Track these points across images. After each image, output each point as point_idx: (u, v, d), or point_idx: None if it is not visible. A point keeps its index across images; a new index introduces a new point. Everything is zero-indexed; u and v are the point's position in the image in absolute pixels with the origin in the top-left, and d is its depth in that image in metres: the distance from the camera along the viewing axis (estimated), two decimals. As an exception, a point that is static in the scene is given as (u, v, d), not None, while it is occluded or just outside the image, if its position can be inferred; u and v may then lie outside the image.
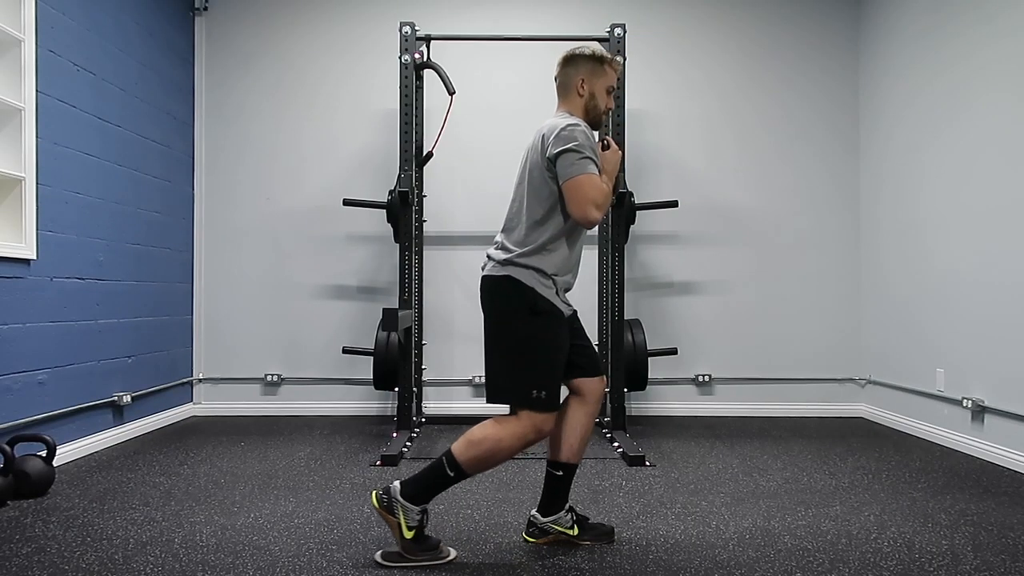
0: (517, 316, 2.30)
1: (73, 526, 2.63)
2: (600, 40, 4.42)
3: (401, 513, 2.26)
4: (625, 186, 4.24)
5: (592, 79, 2.42)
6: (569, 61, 2.45)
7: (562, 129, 2.28)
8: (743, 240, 5.09)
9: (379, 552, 2.34)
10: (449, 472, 2.27)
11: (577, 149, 2.25)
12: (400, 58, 4.30)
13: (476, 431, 2.31)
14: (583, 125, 2.33)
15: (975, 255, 3.89)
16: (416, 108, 4.47)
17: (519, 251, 2.31)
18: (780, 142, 5.11)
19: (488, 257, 2.39)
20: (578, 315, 2.49)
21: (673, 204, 4.66)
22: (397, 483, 2.31)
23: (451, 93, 4.20)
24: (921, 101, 4.39)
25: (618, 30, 4.34)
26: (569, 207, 2.27)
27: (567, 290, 2.40)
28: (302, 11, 5.08)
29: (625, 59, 4.34)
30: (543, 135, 2.34)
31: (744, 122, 5.11)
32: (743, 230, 5.09)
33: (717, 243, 5.08)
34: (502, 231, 2.41)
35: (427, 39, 4.40)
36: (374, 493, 2.32)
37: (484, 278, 2.38)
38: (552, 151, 2.28)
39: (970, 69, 3.94)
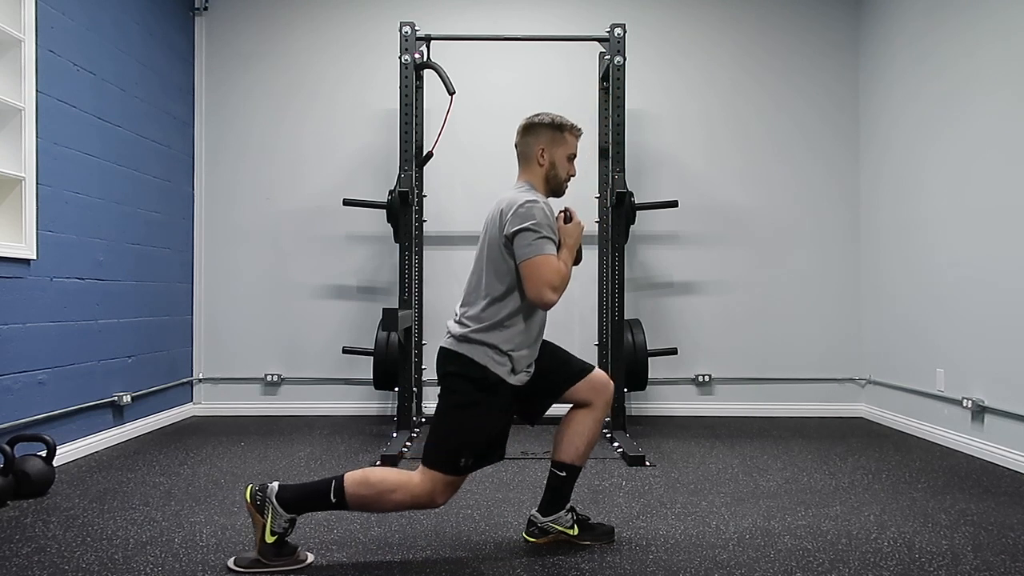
0: (463, 387, 2.28)
1: (73, 526, 2.63)
2: (600, 40, 4.43)
3: (270, 515, 2.19)
4: (625, 186, 4.24)
5: (552, 148, 2.38)
6: (528, 130, 2.41)
7: (520, 206, 2.24)
8: (743, 240, 5.09)
9: (232, 559, 2.27)
10: (332, 498, 2.21)
11: (534, 228, 2.21)
12: (400, 58, 4.30)
13: (377, 472, 2.27)
14: (541, 201, 2.28)
15: (975, 255, 3.89)
16: (416, 108, 4.47)
17: (475, 327, 2.28)
18: (780, 142, 5.11)
19: (447, 329, 2.36)
20: (547, 341, 2.45)
21: (673, 204, 4.66)
22: (276, 484, 2.23)
23: (451, 93, 4.20)
24: (921, 101, 4.39)
25: (618, 30, 4.34)
26: (525, 288, 2.24)
27: (528, 365, 2.35)
28: (302, 11, 5.08)
29: (625, 59, 4.34)
30: (501, 210, 2.30)
31: (744, 122, 5.11)
32: (743, 230, 5.09)
33: (717, 243, 5.08)
34: (461, 304, 2.37)
35: (427, 39, 4.40)
36: (249, 487, 2.25)
37: (440, 350, 2.36)
38: (509, 229, 2.24)
39: (970, 69, 3.94)
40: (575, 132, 2.43)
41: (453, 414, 2.30)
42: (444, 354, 2.35)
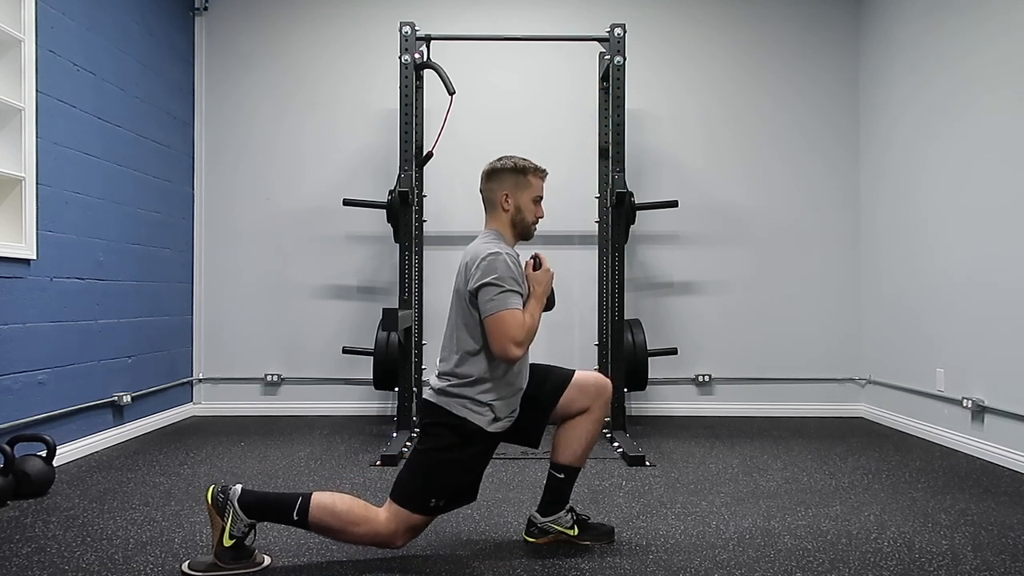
0: (440, 436, 2.28)
1: (73, 526, 2.63)
2: (600, 40, 4.43)
3: (230, 519, 2.16)
4: (625, 186, 4.24)
5: (516, 192, 2.36)
6: (491, 176, 2.38)
7: (482, 259, 2.23)
8: (743, 240, 5.09)
9: (186, 562, 2.23)
10: (294, 516, 2.18)
11: (496, 283, 2.19)
12: (400, 58, 4.30)
13: (345, 502, 2.24)
14: (505, 254, 2.25)
15: (975, 255, 3.89)
16: (416, 108, 4.47)
17: (453, 381, 2.28)
18: (780, 142, 5.11)
19: (429, 383, 2.36)
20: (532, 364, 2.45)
21: (673, 204, 4.67)
22: (239, 487, 2.20)
23: (451, 93, 4.20)
24: (921, 101, 4.39)
25: (618, 30, 4.34)
26: (489, 342, 2.22)
27: (511, 411, 2.33)
28: (302, 11, 5.08)
29: (625, 59, 4.34)
30: (466, 264, 2.29)
31: (744, 122, 5.11)
32: (743, 230, 5.09)
33: (717, 243, 5.08)
34: (439, 357, 2.37)
35: (427, 39, 4.40)
36: (211, 488, 2.21)
37: (422, 401, 2.37)
38: (472, 284, 2.23)
39: (970, 69, 3.94)
40: (539, 174, 2.40)
41: (430, 456, 2.28)
42: (424, 405, 2.36)
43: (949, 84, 4.12)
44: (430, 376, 2.38)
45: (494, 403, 2.28)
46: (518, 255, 2.34)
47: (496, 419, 2.28)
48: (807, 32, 5.13)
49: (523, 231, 2.40)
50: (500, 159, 2.40)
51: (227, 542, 2.17)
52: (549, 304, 2.39)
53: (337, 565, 2.28)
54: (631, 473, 3.45)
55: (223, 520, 2.17)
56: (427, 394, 2.35)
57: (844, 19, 5.13)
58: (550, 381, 2.41)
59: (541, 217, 2.43)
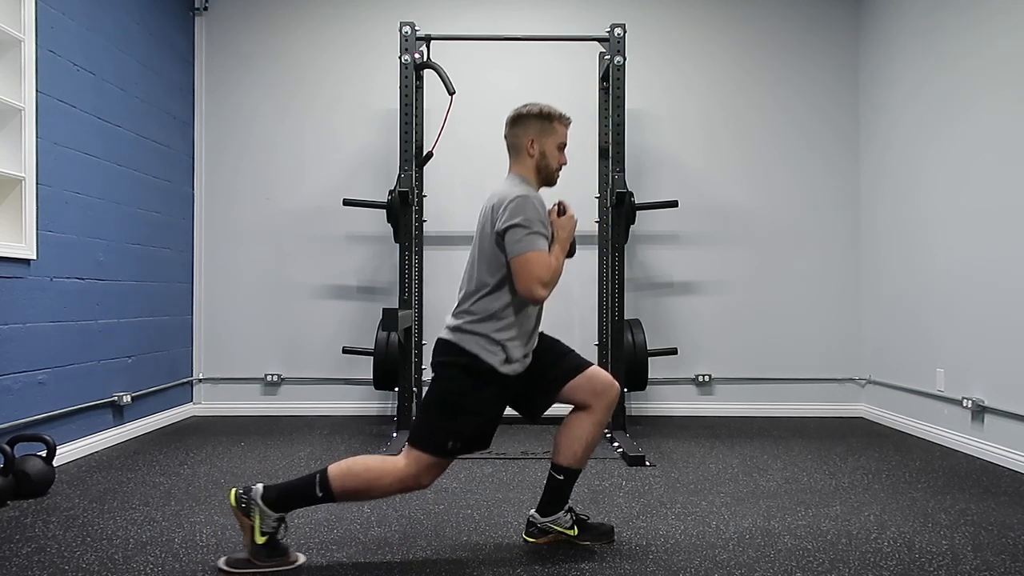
0: (453, 376, 2.29)
1: (73, 526, 2.63)
2: (600, 40, 4.43)
3: (258, 517, 2.19)
4: (625, 186, 4.24)
5: (542, 138, 2.38)
6: (516, 121, 2.40)
7: (510, 201, 2.25)
8: (743, 240, 5.09)
9: (223, 559, 2.25)
10: (318, 492, 2.21)
11: (524, 224, 2.22)
12: (400, 58, 4.30)
13: (359, 461, 2.27)
14: (532, 196, 2.27)
15: (975, 255, 3.89)
16: (416, 108, 4.47)
17: (468, 318, 2.30)
18: (780, 142, 5.11)
19: (445, 323, 2.37)
20: (545, 335, 2.46)
21: (673, 204, 4.67)
22: (260, 486, 2.22)
23: (451, 93, 4.20)
24: (921, 101, 4.39)
25: (618, 30, 4.34)
26: (516, 284, 2.24)
27: (524, 355, 2.34)
28: (302, 11, 5.08)
29: (625, 59, 4.34)
30: (492, 206, 2.31)
31: (744, 122, 5.11)
32: (743, 230, 5.09)
33: (717, 243, 5.08)
34: (458, 297, 2.38)
35: (427, 39, 4.40)
36: (233, 491, 2.22)
37: (436, 339, 2.37)
38: (500, 225, 2.24)
39: (970, 69, 3.94)
40: (564, 121, 2.42)
41: (444, 399, 2.30)
42: (437, 344, 2.37)
43: (949, 84, 4.12)
44: (447, 316, 2.39)
45: (507, 343, 2.29)
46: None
47: (508, 360, 2.29)
48: (807, 32, 5.13)
49: (547, 177, 2.43)
50: (525, 105, 2.42)
51: (260, 539, 2.20)
52: (571, 251, 2.42)
53: (337, 566, 2.28)
54: (631, 473, 3.45)
55: (250, 519, 2.20)
56: (441, 333, 2.36)
57: (844, 19, 5.13)
58: (568, 361, 2.43)
59: (565, 164, 2.45)
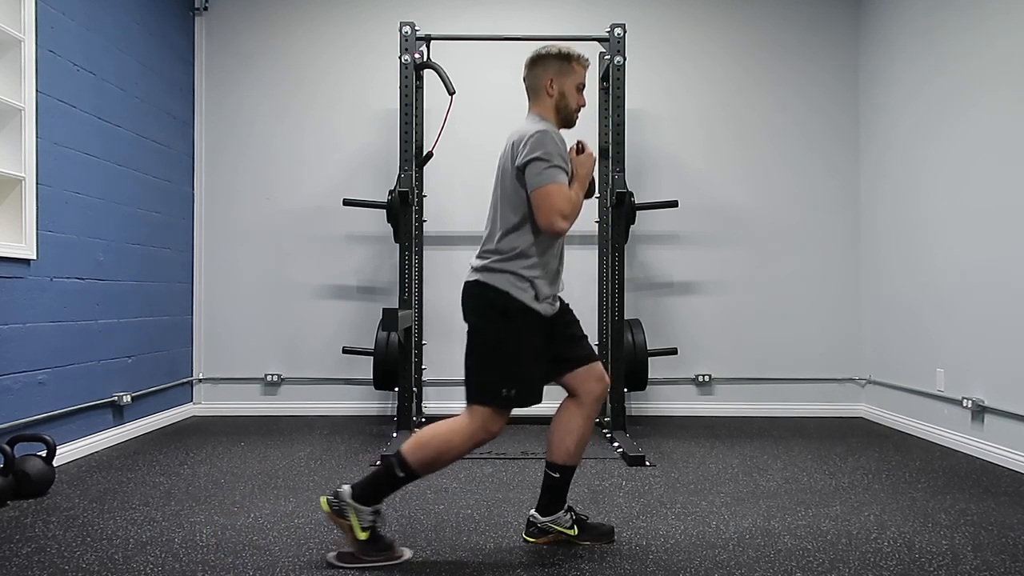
0: (489, 319, 2.31)
1: (73, 526, 2.63)
2: (600, 40, 4.43)
3: (353, 515, 2.25)
4: (625, 186, 4.24)
5: (561, 78, 2.40)
6: (536, 62, 2.42)
7: (530, 136, 2.27)
8: (743, 240, 5.09)
9: (332, 553, 2.32)
10: (399, 473, 2.26)
11: (545, 157, 2.24)
12: (400, 58, 4.30)
13: (426, 432, 2.30)
14: (552, 131, 2.30)
15: (975, 255, 3.89)
16: (416, 108, 4.47)
17: (495, 257, 2.32)
18: (780, 142, 5.11)
19: (470, 265, 2.39)
20: (571, 309, 2.49)
21: (673, 204, 4.67)
22: (347, 487, 2.28)
23: (451, 93, 4.20)
24: (921, 101, 4.39)
25: (618, 30, 4.34)
26: (536, 217, 2.27)
27: (551, 295, 2.37)
28: (302, 11, 5.08)
29: (625, 59, 4.34)
30: (513, 142, 2.33)
31: (744, 122, 5.11)
32: (743, 230, 5.09)
33: (717, 243, 5.08)
34: (483, 239, 2.40)
35: (427, 39, 4.40)
36: (323, 499, 2.29)
37: (464, 284, 2.39)
38: (520, 160, 2.27)
39: (970, 69, 3.94)
40: (583, 62, 2.43)
41: (486, 347, 2.32)
42: (466, 288, 2.38)
43: (949, 84, 4.12)
44: (471, 260, 2.40)
45: (536, 280, 2.31)
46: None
47: (538, 297, 2.31)
48: (807, 32, 5.13)
49: (566, 118, 2.44)
50: (544, 46, 2.44)
51: (362, 535, 2.25)
52: (590, 191, 2.44)
53: (337, 566, 2.28)
54: (631, 473, 3.45)
55: (347, 519, 2.25)
56: (468, 277, 2.37)
57: (844, 19, 5.13)
58: (583, 348, 2.46)
59: (583, 105, 2.46)
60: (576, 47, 2.44)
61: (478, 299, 2.34)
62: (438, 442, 2.27)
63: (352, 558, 2.28)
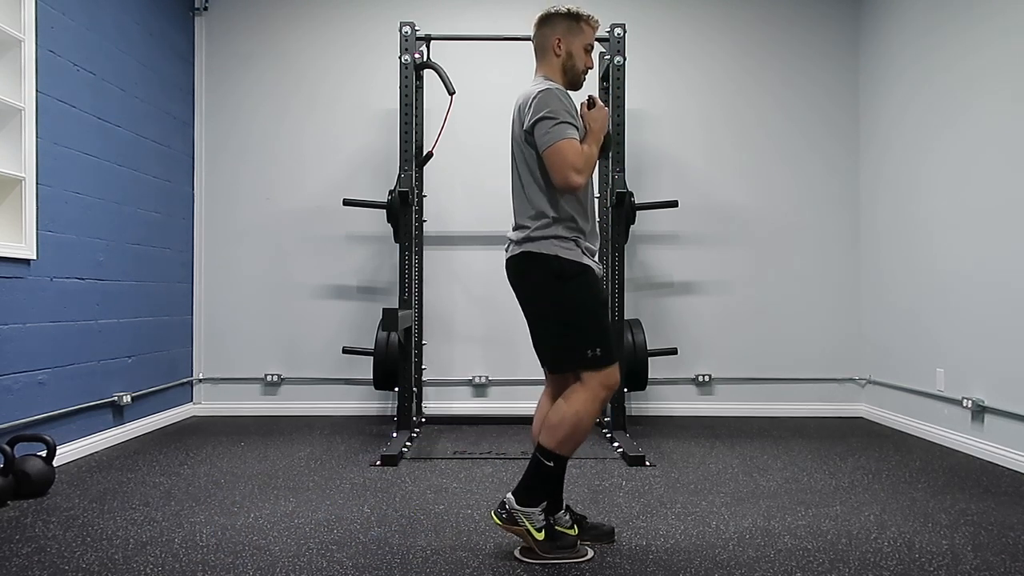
0: (546, 286, 2.31)
1: (73, 526, 2.63)
2: (600, 40, 4.42)
3: (524, 519, 2.30)
4: (625, 186, 4.24)
5: (569, 37, 2.38)
6: (545, 21, 2.40)
7: (534, 97, 2.27)
8: (743, 240, 5.09)
9: (517, 549, 2.37)
10: (548, 463, 2.28)
11: (551, 115, 2.23)
12: (400, 58, 4.30)
13: (552, 416, 2.30)
14: (556, 88, 2.29)
15: (975, 255, 3.89)
16: (416, 108, 4.47)
17: (534, 226, 2.31)
18: (780, 142, 5.11)
19: (508, 240, 2.39)
20: None
21: (673, 204, 4.67)
22: (510, 495, 2.32)
23: (451, 93, 4.20)
24: (921, 101, 4.39)
25: (618, 30, 4.34)
26: (550, 175, 2.26)
27: (594, 254, 2.38)
28: (302, 11, 5.08)
29: (625, 59, 4.34)
30: (519, 106, 2.34)
31: (744, 122, 5.11)
32: (743, 230, 5.09)
33: (717, 243, 5.08)
34: (514, 214, 2.40)
35: (427, 39, 4.40)
36: (494, 512, 2.34)
37: (507, 260, 2.38)
38: (528, 122, 2.27)
39: (970, 68, 3.94)
40: (592, 23, 2.41)
41: (551, 316, 2.32)
42: (512, 263, 2.37)
43: (949, 84, 4.12)
44: (508, 234, 2.39)
45: (578, 238, 2.31)
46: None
47: (585, 253, 2.32)
48: (807, 32, 5.13)
49: (573, 78, 2.42)
50: (554, 5, 2.42)
51: (539, 535, 2.29)
52: (606, 145, 2.41)
53: (337, 565, 2.28)
54: (631, 473, 3.45)
55: (520, 525, 2.29)
56: (510, 251, 2.36)
57: (844, 19, 5.13)
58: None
59: (591, 67, 2.45)
60: (586, 7, 2.42)
61: (529, 270, 2.33)
62: (569, 419, 2.26)
63: (537, 555, 2.31)
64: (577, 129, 2.28)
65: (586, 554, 2.35)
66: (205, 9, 5.05)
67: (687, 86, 5.10)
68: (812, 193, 5.11)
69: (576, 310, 2.29)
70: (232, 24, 5.07)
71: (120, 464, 3.57)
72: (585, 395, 2.28)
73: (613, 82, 4.32)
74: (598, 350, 2.27)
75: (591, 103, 2.39)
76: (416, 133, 4.44)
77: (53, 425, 3.49)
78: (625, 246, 4.44)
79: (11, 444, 3.03)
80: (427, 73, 4.58)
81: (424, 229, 4.80)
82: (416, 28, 4.35)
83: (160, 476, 3.34)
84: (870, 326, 4.99)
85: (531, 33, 2.45)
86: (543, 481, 2.32)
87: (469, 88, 4.64)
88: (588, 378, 2.28)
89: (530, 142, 2.29)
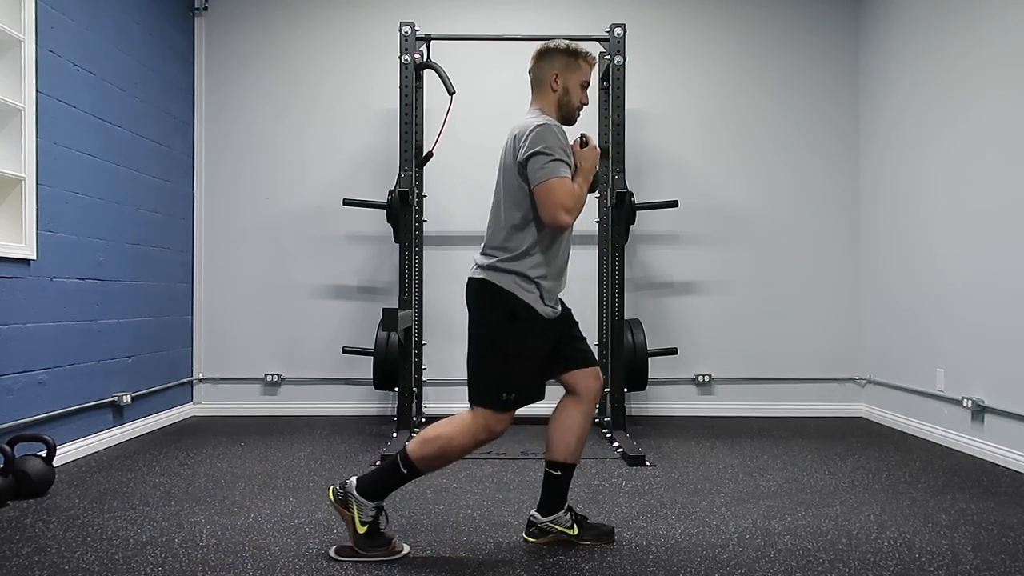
0: (494, 320, 2.31)
1: (73, 526, 2.63)
2: (600, 40, 4.43)
3: (355, 508, 2.29)
4: (625, 186, 4.24)
5: (566, 74, 2.39)
6: (543, 55, 2.42)
7: (531, 131, 2.26)
8: (743, 240, 5.09)
9: (332, 548, 2.36)
10: (403, 470, 2.29)
11: (546, 151, 2.23)
12: (400, 58, 4.30)
13: (430, 430, 2.32)
14: (554, 125, 2.30)
15: (975, 255, 3.89)
16: (416, 108, 4.47)
17: (501, 256, 2.30)
18: (780, 142, 5.11)
19: (474, 261, 2.38)
20: (571, 312, 2.49)
21: (673, 204, 4.67)
22: (354, 478, 2.33)
23: (451, 93, 4.20)
24: (921, 100, 4.39)
25: (618, 30, 4.34)
26: (540, 212, 2.25)
27: (555, 300, 2.37)
28: (302, 11, 5.08)
29: (625, 59, 4.34)
30: (515, 136, 2.33)
31: (744, 122, 5.11)
32: (743, 230, 5.09)
33: (717, 243, 5.08)
34: (486, 235, 2.39)
35: (427, 39, 4.40)
36: (331, 488, 2.34)
37: (468, 280, 2.38)
38: (522, 155, 2.26)
39: (970, 68, 3.94)
40: (590, 60, 2.43)
41: (488, 350, 2.32)
42: (471, 285, 2.37)
43: (949, 84, 4.12)
44: (474, 256, 2.39)
45: (541, 282, 2.31)
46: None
47: (542, 299, 2.31)
48: (807, 32, 5.13)
49: (568, 114, 2.43)
50: (553, 40, 2.44)
51: (360, 529, 2.29)
52: (593, 185, 2.42)
53: (337, 565, 2.28)
54: (631, 473, 3.45)
55: (349, 511, 2.29)
56: (473, 272, 2.36)
57: (844, 19, 5.13)
58: (583, 348, 2.47)
59: (586, 104, 2.45)
60: (584, 44, 2.44)
61: (483, 298, 2.33)
62: (442, 441, 2.29)
63: (351, 552, 2.30)
64: (570, 167, 2.29)
65: (402, 550, 2.35)
66: (205, 9, 5.05)
67: (687, 86, 5.10)
68: (812, 193, 5.11)
69: (513, 352, 2.29)
70: (232, 24, 5.07)
71: (120, 464, 3.57)
72: (470, 428, 2.28)
73: (613, 82, 4.32)
74: (513, 395, 2.27)
75: (584, 142, 2.39)
76: (416, 133, 4.44)
77: (53, 425, 3.49)
78: (625, 246, 4.44)
79: (11, 444, 3.02)
80: (427, 73, 4.58)
81: (424, 229, 4.80)
82: (416, 28, 4.35)
83: (160, 476, 3.34)
84: (870, 326, 4.99)
85: (529, 66, 2.45)
86: (391, 483, 2.31)
87: (469, 88, 4.64)
88: (482, 415, 2.28)
89: (522, 175, 2.28)
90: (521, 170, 2.28)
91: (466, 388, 2.35)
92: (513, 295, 2.28)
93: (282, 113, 5.06)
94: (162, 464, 3.58)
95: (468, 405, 2.32)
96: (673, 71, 5.10)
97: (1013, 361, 3.60)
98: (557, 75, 2.39)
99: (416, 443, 2.30)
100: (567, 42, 2.42)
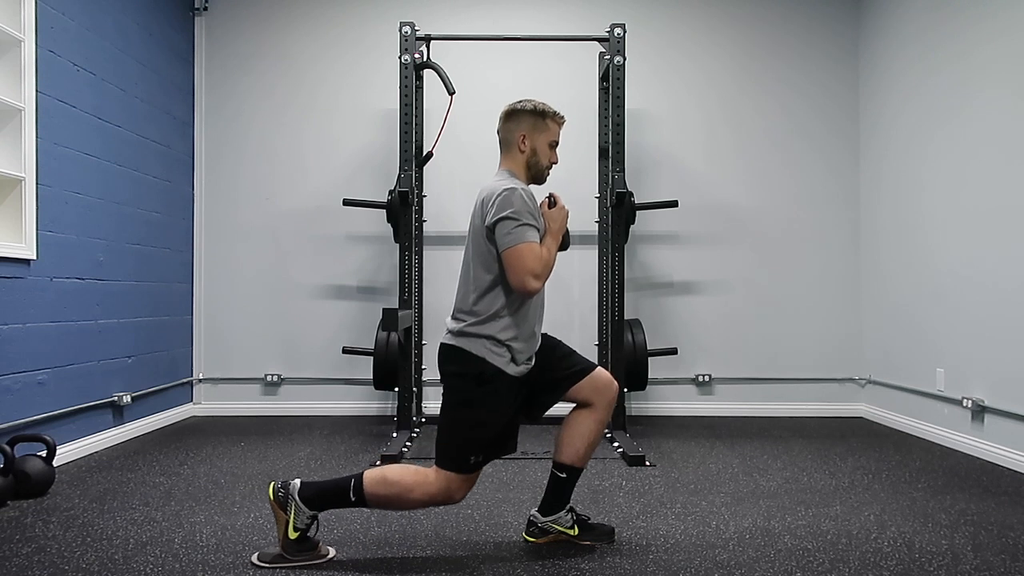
0: (464, 385, 2.28)
1: (73, 526, 2.63)
2: (600, 40, 4.43)
3: (293, 512, 2.24)
4: (625, 186, 4.24)
5: (533, 134, 2.37)
6: (510, 116, 2.39)
7: (498, 195, 2.24)
8: (743, 240, 5.09)
9: (255, 554, 2.31)
10: (351, 496, 2.24)
11: (514, 216, 2.20)
12: (400, 58, 4.30)
13: (394, 471, 2.28)
14: (520, 189, 2.26)
15: (975, 255, 3.89)
16: (416, 108, 4.47)
17: (470, 320, 2.28)
18: (780, 142, 5.11)
19: (445, 325, 2.36)
20: (546, 334, 2.45)
21: (673, 204, 4.67)
22: (298, 481, 2.28)
23: (451, 93, 4.20)
24: (921, 100, 4.39)
25: (618, 30, 4.34)
26: (508, 276, 2.23)
27: (528, 357, 2.33)
28: (302, 11, 5.08)
29: (625, 59, 4.34)
30: (482, 200, 2.30)
31: (744, 122, 5.11)
32: (743, 230, 5.09)
33: (717, 243, 5.08)
34: (456, 298, 2.36)
35: (427, 39, 4.40)
36: (272, 484, 2.29)
37: (439, 346, 2.36)
38: (490, 219, 2.24)
39: (970, 67, 3.94)
40: (558, 120, 2.41)
41: (457, 413, 2.30)
42: (442, 351, 2.35)
43: (949, 83, 4.12)
44: (446, 320, 2.37)
45: (512, 344, 2.28)
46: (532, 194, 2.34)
47: (514, 360, 2.28)
48: (807, 32, 5.13)
49: (536, 174, 2.41)
50: (519, 101, 2.41)
51: (292, 535, 2.24)
52: (564, 243, 2.40)
53: (337, 564, 2.28)
54: (631, 473, 3.45)
55: (286, 514, 2.24)
56: (445, 338, 2.34)
57: (844, 19, 5.13)
58: (573, 362, 2.43)
59: (555, 163, 2.43)
60: (552, 103, 2.41)
61: (453, 364, 2.31)
62: (399, 489, 2.24)
63: (277, 557, 2.25)
64: (538, 231, 2.26)
65: (328, 554, 2.31)
66: (205, 9, 5.05)
67: (687, 86, 5.10)
68: (812, 193, 5.11)
69: (483, 416, 2.26)
70: (232, 24, 5.07)
71: (120, 464, 3.57)
72: (430, 488, 2.25)
73: (613, 82, 4.32)
74: (481, 457, 2.26)
75: (552, 202, 2.37)
76: (416, 133, 4.44)
77: (53, 425, 3.49)
78: (625, 246, 4.44)
79: (11, 444, 3.02)
80: (427, 73, 4.58)
81: (424, 229, 4.80)
82: (416, 28, 4.34)
83: (160, 476, 3.34)
84: (870, 326, 4.99)
85: (497, 126, 2.43)
86: (334, 502, 2.26)
87: (469, 88, 4.64)
88: (445, 477, 2.25)
89: (490, 238, 2.26)
90: (489, 234, 2.26)
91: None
92: (483, 359, 2.25)
93: (282, 113, 5.06)
94: (162, 464, 3.58)
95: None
96: (673, 71, 5.11)
97: (1013, 361, 3.60)
98: (524, 136, 2.36)
99: (376, 478, 2.25)
100: (534, 103, 2.39)
